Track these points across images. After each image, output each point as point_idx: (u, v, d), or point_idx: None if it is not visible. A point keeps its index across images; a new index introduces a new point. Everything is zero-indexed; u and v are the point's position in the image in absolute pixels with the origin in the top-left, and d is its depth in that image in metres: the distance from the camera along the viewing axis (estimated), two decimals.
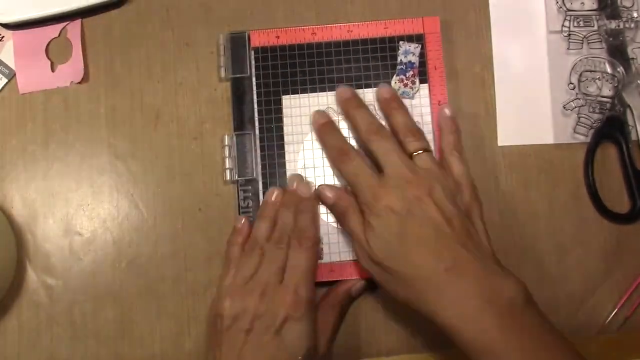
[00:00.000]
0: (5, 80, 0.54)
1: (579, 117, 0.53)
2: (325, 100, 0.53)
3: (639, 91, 0.53)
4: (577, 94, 0.53)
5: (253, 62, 0.53)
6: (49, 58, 0.54)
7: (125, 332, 0.51)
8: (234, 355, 0.44)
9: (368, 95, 0.53)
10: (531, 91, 0.54)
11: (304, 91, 0.53)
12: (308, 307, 0.45)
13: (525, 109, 0.53)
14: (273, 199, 0.50)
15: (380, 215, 0.45)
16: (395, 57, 0.53)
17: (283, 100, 0.53)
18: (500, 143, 0.53)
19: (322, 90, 0.53)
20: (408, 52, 0.52)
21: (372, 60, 0.53)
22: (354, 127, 0.50)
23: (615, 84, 0.53)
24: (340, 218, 0.49)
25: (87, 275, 0.52)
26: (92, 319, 0.51)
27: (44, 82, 0.54)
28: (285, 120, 0.53)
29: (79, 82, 0.54)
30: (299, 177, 0.51)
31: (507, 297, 0.41)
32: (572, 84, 0.53)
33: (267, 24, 0.54)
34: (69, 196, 0.53)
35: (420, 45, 0.53)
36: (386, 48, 0.53)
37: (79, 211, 0.53)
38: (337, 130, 0.51)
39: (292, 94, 0.53)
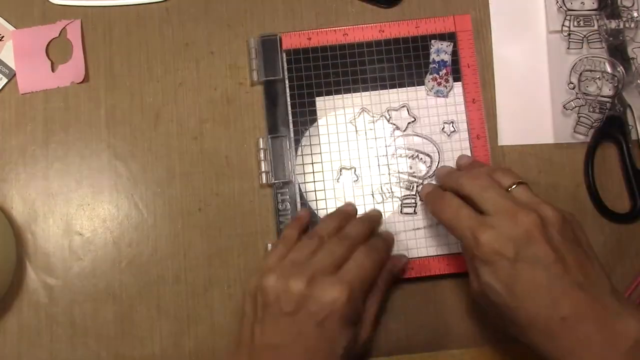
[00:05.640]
0: (5, 80, 0.54)
1: (579, 117, 0.53)
2: (360, 101, 0.53)
3: (639, 91, 0.53)
4: (577, 93, 0.53)
5: (285, 64, 0.53)
6: (49, 58, 0.54)
7: (125, 332, 0.51)
8: (276, 335, 0.42)
9: (402, 95, 0.53)
10: (531, 91, 0.54)
11: (337, 92, 0.53)
12: (356, 306, 0.43)
13: (525, 109, 0.53)
14: (350, 209, 0.50)
15: (487, 261, 0.41)
16: (427, 56, 0.53)
17: (317, 102, 0.53)
18: (500, 143, 0.53)
19: (356, 90, 0.53)
20: (440, 51, 0.53)
21: (405, 59, 0.53)
22: (444, 183, 0.48)
23: (615, 84, 0.53)
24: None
25: (87, 275, 0.52)
26: (92, 319, 0.51)
27: (44, 82, 0.54)
28: (320, 121, 0.53)
29: (79, 82, 0.54)
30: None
31: (632, 338, 0.37)
32: (572, 83, 0.53)
33: (267, 24, 0.55)
34: (69, 196, 0.53)
35: (452, 44, 0.53)
36: (418, 47, 0.53)
37: (79, 211, 0.53)
38: (433, 185, 0.50)
39: (325, 95, 0.53)
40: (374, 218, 0.50)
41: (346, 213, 0.49)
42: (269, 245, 0.51)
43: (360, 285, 0.43)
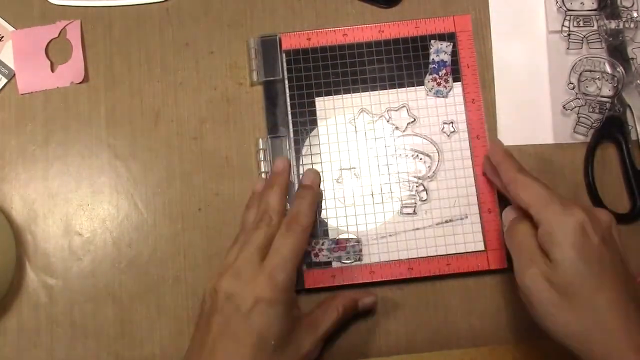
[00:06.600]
0: (5, 80, 0.54)
1: (578, 117, 0.53)
2: (359, 101, 0.53)
3: (639, 91, 0.53)
4: (577, 93, 0.53)
5: (285, 65, 0.53)
6: (48, 58, 0.54)
7: (125, 332, 0.51)
8: (206, 335, 0.43)
9: (401, 95, 0.53)
10: (531, 91, 0.54)
11: (337, 92, 0.53)
12: (283, 292, 0.44)
13: (525, 109, 0.53)
14: (258, 187, 0.51)
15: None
16: (427, 56, 0.53)
17: (316, 102, 0.53)
18: None
19: (356, 91, 0.53)
20: (440, 51, 0.53)
21: (405, 59, 0.53)
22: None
23: (615, 84, 0.53)
24: None
25: (87, 275, 0.52)
26: (92, 319, 0.51)
27: (44, 82, 0.54)
28: (319, 122, 0.53)
29: (79, 82, 0.54)
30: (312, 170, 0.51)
31: None
32: (572, 83, 0.53)
33: (267, 24, 0.55)
34: (69, 196, 0.53)
35: (452, 44, 0.53)
36: (418, 47, 0.53)
37: (79, 211, 0.53)
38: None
39: (325, 95, 0.53)
40: (282, 179, 0.50)
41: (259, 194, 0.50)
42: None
43: (284, 268, 0.44)
